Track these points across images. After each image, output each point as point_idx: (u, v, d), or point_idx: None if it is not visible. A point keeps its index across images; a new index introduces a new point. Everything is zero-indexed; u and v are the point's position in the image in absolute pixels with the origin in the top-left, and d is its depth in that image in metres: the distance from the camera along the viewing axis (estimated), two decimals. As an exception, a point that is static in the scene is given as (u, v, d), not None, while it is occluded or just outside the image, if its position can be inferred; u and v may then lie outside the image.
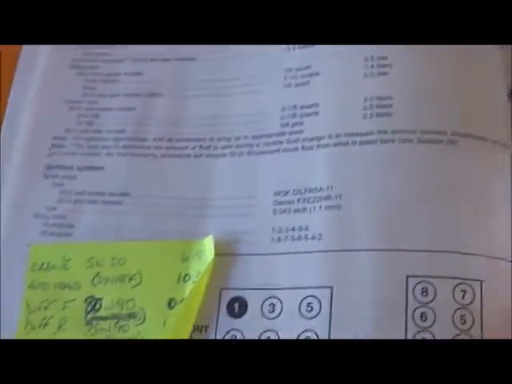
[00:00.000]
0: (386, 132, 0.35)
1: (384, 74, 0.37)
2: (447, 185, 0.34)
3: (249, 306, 0.34)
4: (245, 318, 0.34)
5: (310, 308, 0.33)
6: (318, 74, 0.38)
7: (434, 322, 0.32)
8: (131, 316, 0.35)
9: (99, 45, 0.41)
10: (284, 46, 0.40)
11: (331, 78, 0.38)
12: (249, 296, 0.34)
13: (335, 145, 0.36)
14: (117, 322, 0.35)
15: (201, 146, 0.38)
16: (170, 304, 0.35)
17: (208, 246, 0.36)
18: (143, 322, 0.35)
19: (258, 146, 0.38)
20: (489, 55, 0.37)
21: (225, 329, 0.34)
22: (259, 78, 0.39)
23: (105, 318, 0.35)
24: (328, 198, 0.35)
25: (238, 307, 0.34)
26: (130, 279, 0.36)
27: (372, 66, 0.37)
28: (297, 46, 0.39)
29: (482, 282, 0.32)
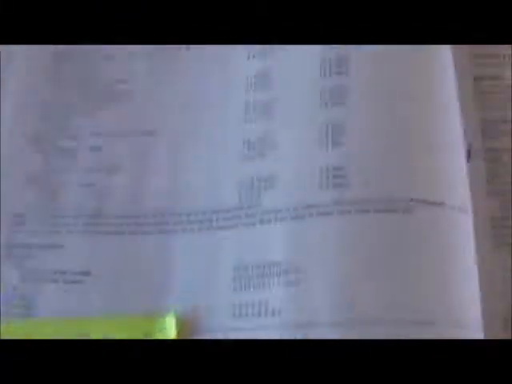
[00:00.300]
0: (342, 203, 0.35)
1: (339, 143, 0.37)
2: (406, 254, 0.34)
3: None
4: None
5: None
6: (274, 145, 0.38)
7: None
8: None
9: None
10: (241, 116, 0.40)
11: (287, 149, 0.38)
12: None
13: (292, 218, 0.36)
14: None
15: (160, 222, 0.38)
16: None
17: (170, 323, 0.36)
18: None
19: (217, 220, 0.38)
20: (446, 114, 0.38)
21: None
22: (218, 151, 0.40)
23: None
24: (286, 272, 0.35)
25: None
26: (93, 358, 0.36)
27: (327, 136, 0.37)
28: (255, 116, 0.40)
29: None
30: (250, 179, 0.38)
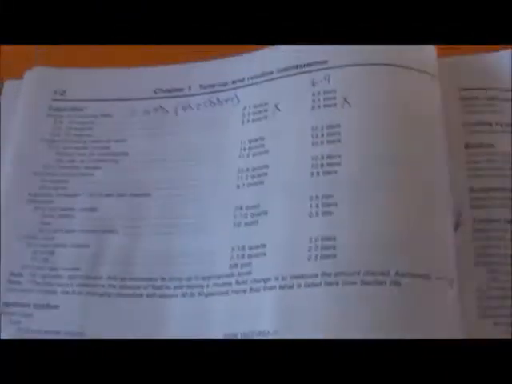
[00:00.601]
0: (329, 275, 0.36)
1: (328, 213, 0.37)
2: (393, 327, 0.35)
3: None
4: None
5: None
6: (266, 213, 0.39)
7: None
8: None
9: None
10: (234, 182, 0.41)
11: (278, 218, 0.38)
12: None
13: (281, 287, 0.37)
14: None
15: (153, 286, 0.39)
16: None
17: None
18: None
19: (208, 286, 0.38)
20: (436, 182, 0.38)
21: None
22: (210, 217, 0.40)
23: None
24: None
25: None
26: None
27: (317, 206, 0.38)
28: (247, 182, 0.40)
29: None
30: (241, 246, 0.39)
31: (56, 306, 0.40)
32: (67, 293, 0.40)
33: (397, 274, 0.36)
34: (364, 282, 0.36)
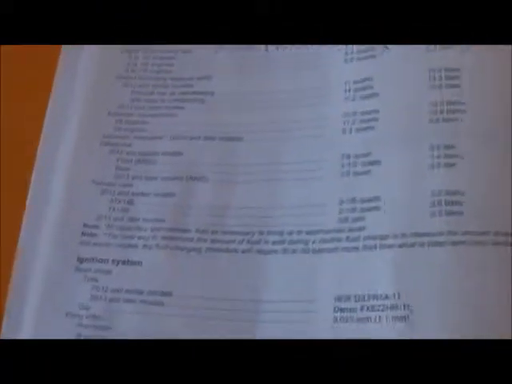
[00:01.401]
0: (456, 233, 0.32)
1: (452, 165, 0.34)
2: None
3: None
4: None
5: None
6: (379, 162, 0.35)
7: None
8: None
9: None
10: (340, 127, 0.36)
11: (394, 169, 0.34)
12: None
13: (401, 246, 0.33)
14: None
15: (249, 241, 0.35)
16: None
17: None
18: None
19: (313, 242, 0.34)
20: None
21: None
22: (314, 164, 0.36)
23: None
24: (395, 307, 0.32)
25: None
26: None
27: (439, 156, 0.34)
28: (354, 127, 0.36)
29: None
30: (351, 198, 0.35)
31: (138, 262, 0.35)
32: (150, 247, 0.36)
33: None
34: (495, 243, 0.32)
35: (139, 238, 0.36)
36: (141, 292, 0.35)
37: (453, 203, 0.33)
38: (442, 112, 0.35)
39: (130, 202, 0.37)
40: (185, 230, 0.36)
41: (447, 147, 0.34)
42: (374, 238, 0.33)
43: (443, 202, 0.33)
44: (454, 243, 0.32)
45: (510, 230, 0.32)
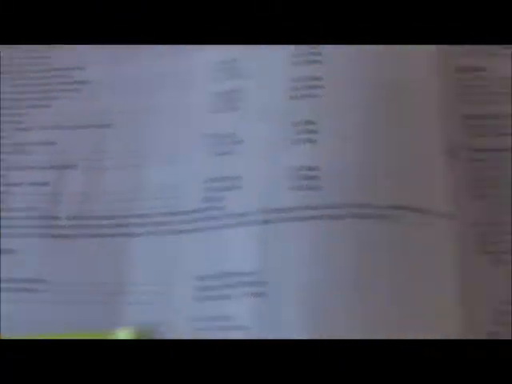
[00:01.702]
0: (315, 208, 0.32)
1: (312, 141, 0.34)
2: (385, 264, 0.32)
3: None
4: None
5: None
6: (242, 141, 0.35)
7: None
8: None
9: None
10: (206, 108, 0.37)
11: (256, 147, 0.35)
12: None
13: (261, 222, 0.33)
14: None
15: (116, 225, 0.35)
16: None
17: (124, 338, 0.33)
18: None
19: (177, 224, 0.35)
20: (425, 111, 0.35)
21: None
22: (178, 146, 0.36)
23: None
24: (253, 284, 0.32)
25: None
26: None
27: (298, 133, 0.34)
28: (219, 107, 0.36)
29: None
30: (213, 178, 0.35)
31: (10, 250, 0.36)
32: (24, 236, 0.36)
33: (389, 206, 0.32)
34: (353, 215, 0.32)
35: (13, 227, 0.36)
36: (13, 280, 0.35)
37: (312, 178, 0.33)
38: (302, 88, 0.35)
39: (5, 192, 0.37)
40: (56, 218, 0.36)
41: (307, 123, 0.34)
42: (234, 216, 0.34)
43: (303, 177, 0.33)
44: (313, 217, 0.32)
45: (367, 202, 0.32)
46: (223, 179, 0.34)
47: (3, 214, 0.36)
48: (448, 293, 0.32)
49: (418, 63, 0.35)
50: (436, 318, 0.31)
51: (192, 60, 0.38)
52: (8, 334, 0.33)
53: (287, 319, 0.31)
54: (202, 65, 0.38)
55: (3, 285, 0.35)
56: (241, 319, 0.32)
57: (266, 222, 0.33)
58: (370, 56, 0.35)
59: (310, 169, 0.33)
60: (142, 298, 0.34)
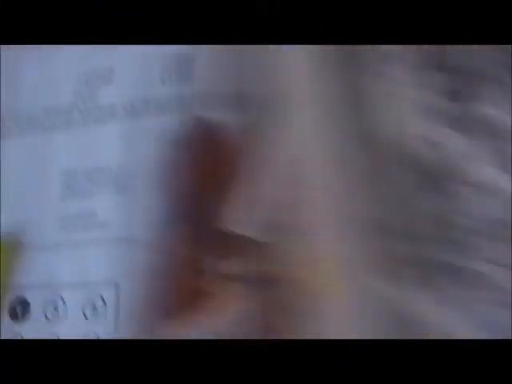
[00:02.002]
0: (184, 97, 0.31)
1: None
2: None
3: (31, 308, 0.30)
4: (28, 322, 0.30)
5: (94, 310, 0.29)
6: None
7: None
8: None
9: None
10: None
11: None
12: (32, 297, 0.30)
13: (129, 116, 0.31)
14: None
15: None
16: None
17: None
18: None
19: (49, 121, 0.33)
20: None
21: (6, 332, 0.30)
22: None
23: None
24: (117, 179, 0.30)
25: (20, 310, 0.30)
26: None
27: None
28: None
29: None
30: (85, 73, 0.33)
31: None
32: None
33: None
34: (224, 105, 0.30)
35: None
36: None
37: (184, 70, 0.31)
38: None
39: None
40: None
41: None
42: (104, 111, 0.32)
43: (174, 70, 0.31)
44: (184, 108, 0.30)
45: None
46: (95, 73, 0.33)
47: None
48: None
49: None
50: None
51: None
52: None
53: (149, 217, 0.29)
54: None
55: None
56: (104, 216, 0.30)
57: (134, 114, 0.31)
58: None
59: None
60: (10, 197, 0.32)
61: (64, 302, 0.30)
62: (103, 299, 0.29)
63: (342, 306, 0.28)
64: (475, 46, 0.34)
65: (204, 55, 0.31)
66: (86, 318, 0.29)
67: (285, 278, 0.28)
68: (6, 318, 0.30)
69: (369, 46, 0.33)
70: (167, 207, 0.29)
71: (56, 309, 0.30)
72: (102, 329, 0.29)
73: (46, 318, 0.30)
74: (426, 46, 0.33)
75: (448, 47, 0.33)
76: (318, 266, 0.28)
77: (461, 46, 0.33)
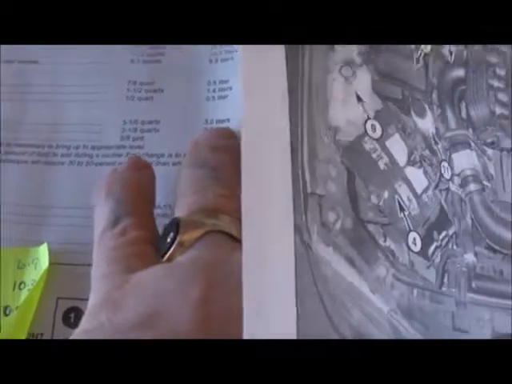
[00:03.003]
0: None
1: (224, 97, 0.39)
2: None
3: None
4: (79, 328, 0.35)
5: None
6: (162, 90, 0.39)
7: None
8: (-33, 323, 0.35)
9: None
10: (128, 58, 0.40)
11: (174, 97, 0.39)
12: (85, 306, 0.35)
13: (174, 164, 0.38)
14: (-47, 329, 0.35)
15: (39, 153, 0.39)
16: (6, 311, 0.35)
17: (43, 253, 0.36)
18: (-22, 328, 0.35)
19: (97, 156, 0.39)
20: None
21: (61, 338, 0.35)
22: (101, 88, 0.40)
23: None
24: (166, 215, 0.37)
25: (73, 317, 0.35)
26: (-34, 285, 0.36)
27: (214, 90, 0.39)
28: (141, 57, 0.40)
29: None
30: (133, 120, 0.39)
31: None
32: None
33: None
34: None
35: None
36: None
37: None
38: (220, 53, 0.40)
39: None
40: None
41: (222, 82, 0.39)
42: (151, 155, 0.38)
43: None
44: None
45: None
46: (142, 122, 0.39)
47: None
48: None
49: None
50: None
51: None
52: None
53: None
54: None
55: None
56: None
57: (179, 163, 0.37)
58: None
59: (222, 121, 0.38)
60: (61, 220, 0.37)
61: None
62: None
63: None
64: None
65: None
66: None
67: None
68: (60, 324, 0.35)
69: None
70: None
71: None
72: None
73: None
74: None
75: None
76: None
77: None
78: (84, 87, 0.40)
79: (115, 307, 0.28)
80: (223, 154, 0.34)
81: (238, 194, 0.30)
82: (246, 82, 0.29)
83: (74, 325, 0.35)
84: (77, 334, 0.29)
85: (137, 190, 0.34)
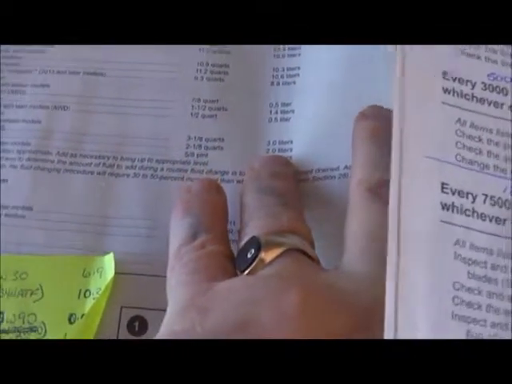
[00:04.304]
0: None
1: (287, 119, 0.40)
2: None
3: (149, 324, 0.36)
4: (145, 336, 0.36)
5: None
6: (226, 109, 0.40)
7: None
8: (32, 330, 0.36)
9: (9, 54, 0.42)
10: (192, 75, 0.42)
11: (238, 117, 0.40)
12: (149, 315, 0.36)
13: (238, 182, 0.39)
14: (18, 335, 0.36)
15: (104, 164, 0.40)
16: (71, 319, 0.36)
17: (109, 262, 0.37)
18: (44, 335, 0.36)
19: (162, 170, 0.39)
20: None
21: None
22: (167, 103, 0.41)
23: (6, 332, 0.36)
24: (230, 230, 0.37)
25: (138, 325, 0.36)
26: (32, 293, 0.37)
27: (276, 112, 0.40)
28: (205, 75, 0.42)
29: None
30: (198, 137, 0.40)
31: (4, 180, 0.39)
32: (16, 167, 0.40)
33: (346, 167, 0.37)
34: (315, 178, 0.38)
35: (6, 159, 0.40)
36: (6, 207, 0.39)
37: (284, 150, 0.39)
38: (282, 77, 0.41)
39: (2, 128, 0.41)
40: (47, 153, 0.40)
41: (284, 105, 0.40)
42: (215, 172, 0.39)
43: (277, 150, 0.39)
44: None
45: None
46: (207, 139, 0.40)
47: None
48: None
49: None
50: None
51: None
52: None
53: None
54: None
55: (-3, 210, 0.39)
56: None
57: (242, 181, 0.38)
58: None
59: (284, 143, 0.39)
60: (125, 230, 0.38)
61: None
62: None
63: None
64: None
65: (300, 142, 0.39)
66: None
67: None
68: (124, 332, 0.36)
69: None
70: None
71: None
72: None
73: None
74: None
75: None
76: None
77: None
78: (150, 102, 0.41)
79: (204, 311, 0.29)
80: (285, 181, 0.36)
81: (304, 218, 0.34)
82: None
83: (139, 333, 0.36)
84: (163, 334, 0.30)
85: (214, 209, 0.35)
